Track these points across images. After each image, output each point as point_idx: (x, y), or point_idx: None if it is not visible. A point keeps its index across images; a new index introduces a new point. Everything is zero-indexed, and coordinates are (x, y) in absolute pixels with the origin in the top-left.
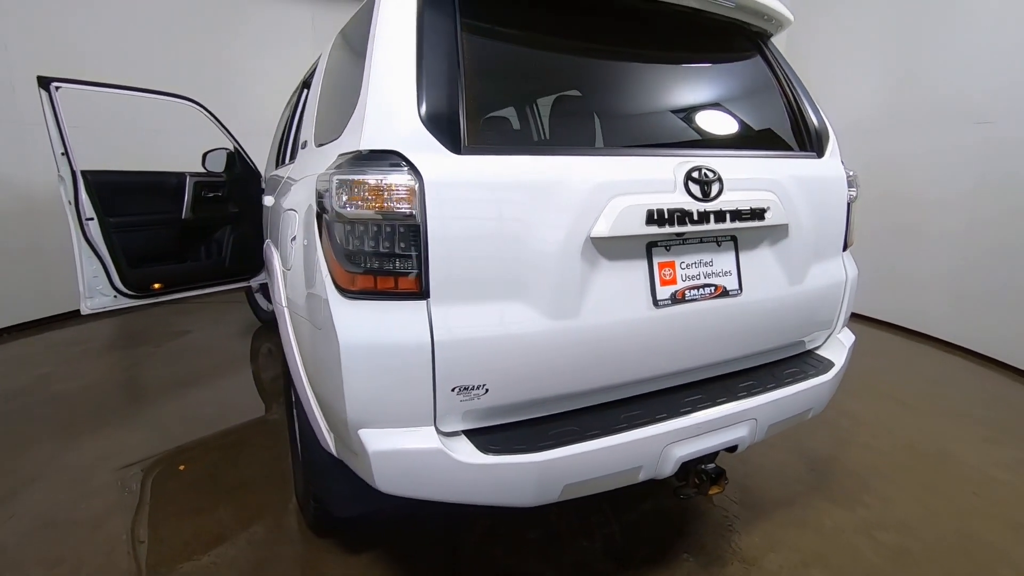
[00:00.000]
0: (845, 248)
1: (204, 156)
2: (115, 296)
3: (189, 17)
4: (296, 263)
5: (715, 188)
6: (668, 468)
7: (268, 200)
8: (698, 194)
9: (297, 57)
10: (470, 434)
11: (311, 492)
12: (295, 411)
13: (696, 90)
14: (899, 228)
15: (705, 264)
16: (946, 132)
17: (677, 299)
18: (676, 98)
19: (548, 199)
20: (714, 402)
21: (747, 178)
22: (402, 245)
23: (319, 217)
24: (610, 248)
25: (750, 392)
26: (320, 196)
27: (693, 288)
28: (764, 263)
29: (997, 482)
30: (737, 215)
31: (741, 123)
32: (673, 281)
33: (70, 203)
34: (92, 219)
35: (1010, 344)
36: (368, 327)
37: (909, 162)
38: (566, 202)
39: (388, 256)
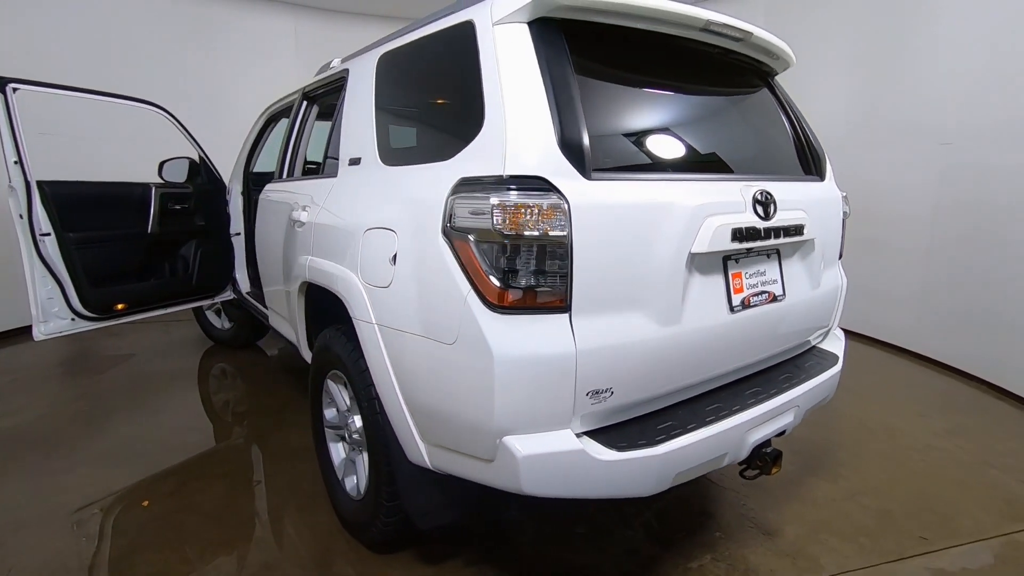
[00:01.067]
0: (840, 257)
1: (161, 165)
2: (72, 319)
3: (172, 27)
4: (401, 282)
5: (772, 208)
6: (744, 453)
7: (300, 215)
8: (761, 213)
9: (280, 67)
10: (591, 434)
11: (384, 509)
12: (370, 431)
13: (737, 120)
14: (867, 243)
15: (761, 274)
16: (911, 152)
17: (745, 305)
18: (725, 127)
19: (660, 219)
20: (770, 393)
21: (786, 199)
22: (552, 264)
23: (448, 235)
24: (701, 262)
25: (791, 383)
26: (460, 216)
27: (754, 295)
28: (796, 272)
29: (934, 448)
30: (785, 231)
31: (769, 150)
32: (741, 290)
33: (21, 217)
34: (48, 234)
35: (957, 348)
36: (520, 340)
37: (876, 180)
38: (674, 222)
39: (540, 274)
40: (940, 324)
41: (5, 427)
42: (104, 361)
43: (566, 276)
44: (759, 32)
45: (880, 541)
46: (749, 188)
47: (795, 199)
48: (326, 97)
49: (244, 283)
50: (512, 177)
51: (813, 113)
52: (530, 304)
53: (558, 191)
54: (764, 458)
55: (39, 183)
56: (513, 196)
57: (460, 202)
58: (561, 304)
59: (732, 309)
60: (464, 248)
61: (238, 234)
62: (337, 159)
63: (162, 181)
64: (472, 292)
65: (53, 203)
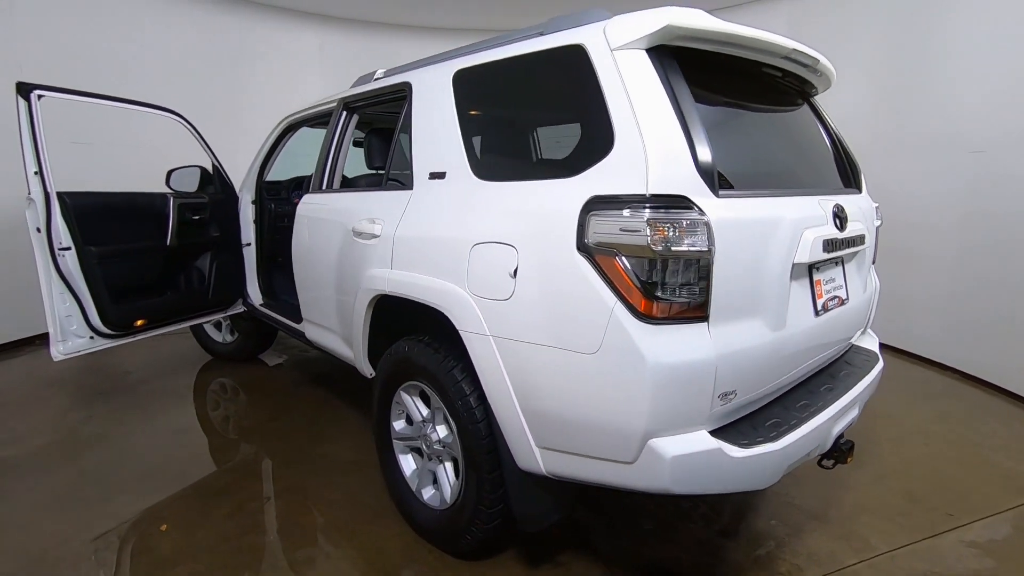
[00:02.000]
0: (873, 263)
1: (169, 174)
2: (91, 337)
3: (201, 41)
4: (524, 295)
5: (845, 220)
6: (828, 444)
7: (369, 227)
8: (838, 225)
9: (305, 81)
10: (713, 433)
11: (483, 515)
12: (468, 440)
13: (798, 138)
14: (893, 251)
15: (833, 280)
16: (940, 160)
17: (825, 309)
18: (792, 145)
19: (771, 233)
20: (842, 389)
21: (849, 211)
22: (697, 277)
23: (586, 250)
24: (798, 271)
25: (853, 379)
26: (601, 232)
27: (830, 300)
28: (853, 277)
29: (931, 433)
30: (852, 241)
31: (821, 165)
32: (821, 295)
33: (39, 231)
34: (68, 248)
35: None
36: (669, 348)
37: (904, 189)
38: (781, 235)
39: (686, 286)
40: (961, 330)
41: (14, 455)
42: (101, 380)
43: (706, 288)
44: (823, 59)
45: (913, 519)
46: (825, 202)
47: (852, 211)
48: (372, 108)
49: (256, 295)
50: (656, 196)
51: (838, 123)
52: (676, 315)
53: (699, 209)
54: (841, 448)
55: (59, 195)
56: (663, 214)
57: (600, 219)
58: (702, 314)
59: (817, 313)
60: (609, 263)
61: (248, 244)
62: (410, 172)
63: (170, 191)
64: (619, 304)
65: (73, 215)
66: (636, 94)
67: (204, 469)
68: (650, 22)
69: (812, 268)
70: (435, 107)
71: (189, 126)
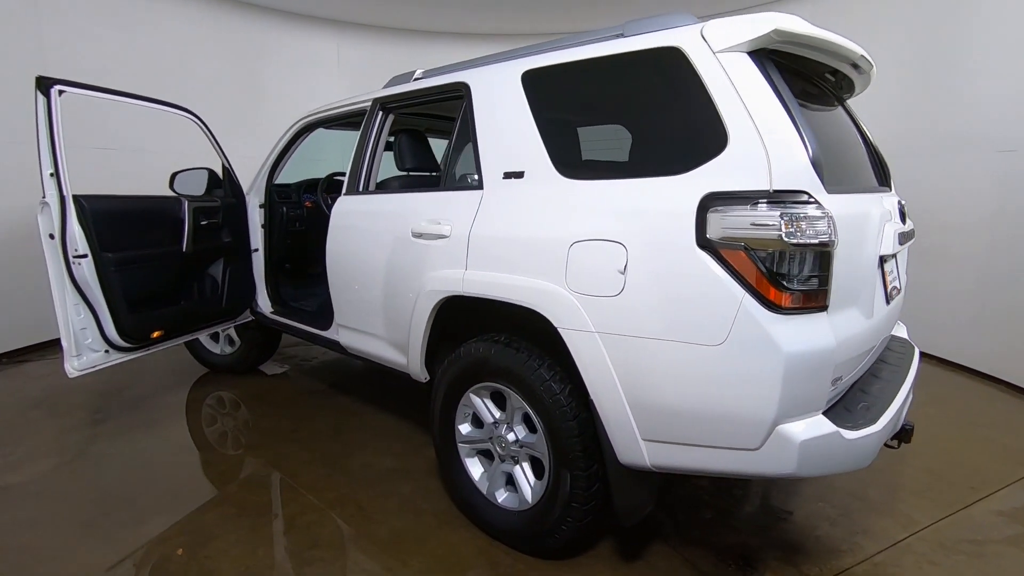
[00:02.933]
0: None
1: (173, 177)
2: (107, 351)
3: (220, 44)
4: (637, 290)
5: (905, 216)
6: (899, 425)
7: (436, 228)
8: (901, 221)
9: (323, 83)
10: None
11: (575, 513)
12: (560, 439)
13: (846, 138)
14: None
15: (893, 271)
16: (969, 160)
17: (891, 297)
18: (849, 144)
19: (866, 226)
20: (902, 373)
21: (901, 209)
22: (821, 268)
23: (709, 245)
24: (879, 263)
25: (904, 364)
26: (726, 227)
27: (893, 289)
28: (900, 269)
29: (929, 415)
30: (909, 235)
31: (864, 165)
32: (887, 285)
33: (52, 237)
34: (85, 256)
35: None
36: (799, 337)
37: (932, 188)
38: (872, 229)
39: (812, 278)
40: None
41: (22, 481)
42: (93, 398)
43: (827, 279)
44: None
45: (942, 494)
46: (889, 199)
47: (901, 208)
48: (414, 108)
49: (264, 302)
50: (779, 192)
51: (866, 122)
52: (803, 305)
53: (819, 203)
54: (905, 429)
55: (75, 198)
56: (792, 208)
57: (724, 215)
58: (823, 304)
59: (888, 301)
60: (737, 256)
61: (256, 250)
62: (479, 173)
63: (175, 194)
64: (748, 296)
65: (91, 220)
66: (747, 94)
67: (237, 485)
68: (756, 27)
69: (882, 260)
70: (503, 107)
71: (202, 125)
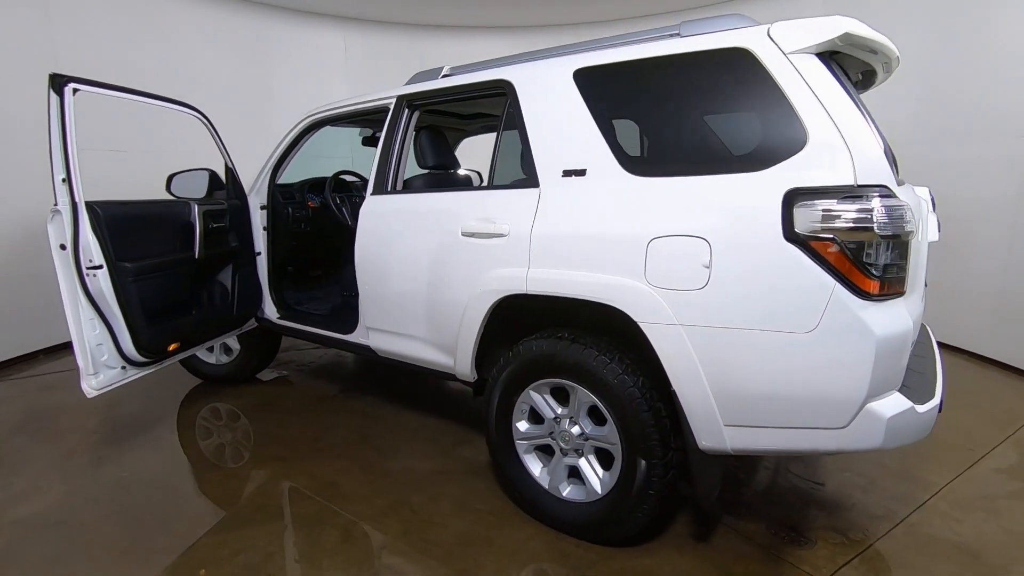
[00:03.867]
0: None
1: (170, 179)
2: (123, 367)
3: (227, 38)
4: (722, 283)
5: (935, 206)
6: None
7: (493, 227)
8: (933, 210)
9: (329, 79)
10: None
11: (650, 500)
12: (635, 428)
13: None
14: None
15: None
16: (989, 145)
17: (927, 284)
18: None
19: (922, 216)
20: (931, 351)
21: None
22: (900, 257)
23: (798, 238)
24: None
25: (928, 342)
26: (817, 220)
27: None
28: None
29: None
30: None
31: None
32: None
33: (63, 247)
34: (100, 267)
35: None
36: (886, 321)
37: (950, 173)
38: (923, 218)
39: (893, 265)
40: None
41: (35, 513)
42: (83, 418)
43: (905, 266)
44: None
45: (948, 457)
46: (923, 191)
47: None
48: (447, 105)
49: (271, 308)
50: (864, 186)
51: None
52: (888, 291)
53: (896, 195)
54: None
55: (88, 205)
56: (879, 201)
57: (812, 209)
58: (902, 290)
59: (926, 285)
60: (827, 248)
61: (259, 254)
62: (532, 170)
63: (173, 197)
64: (839, 285)
65: (106, 229)
66: (823, 94)
67: (277, 498)
68: (826, 30)
69: None
70: (556, 104)
71: (207, 123)
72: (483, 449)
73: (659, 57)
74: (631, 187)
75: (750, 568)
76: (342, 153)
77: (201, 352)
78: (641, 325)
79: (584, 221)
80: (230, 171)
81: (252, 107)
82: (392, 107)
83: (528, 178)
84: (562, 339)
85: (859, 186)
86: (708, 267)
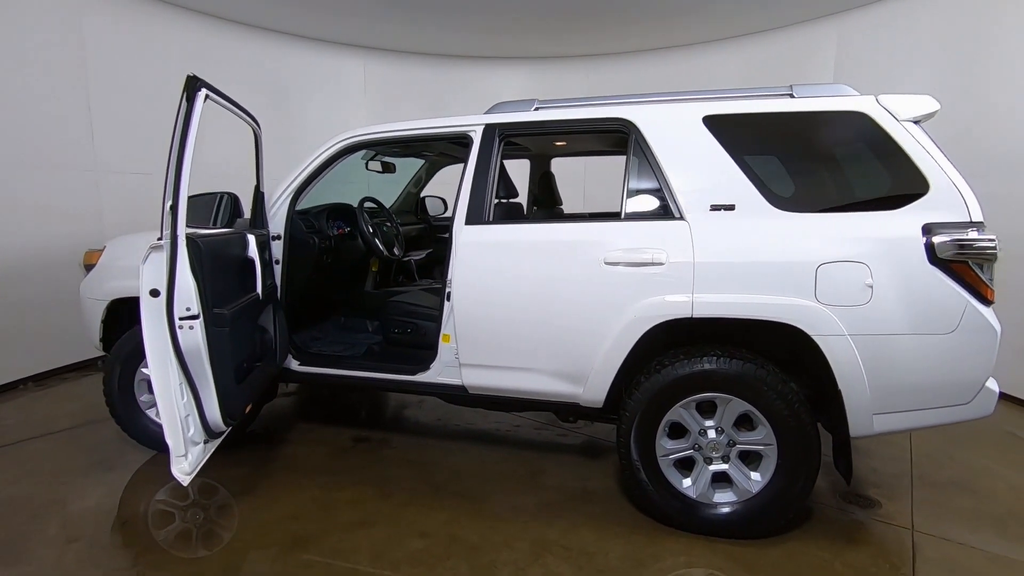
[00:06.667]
0: None
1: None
2: (205, 441)
3: (247, 64)
4: (882, 299)
5: None
6: None
7: (630, 255)
8: None
9: (349, 106)
10: None
11: (804, 491)
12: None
13: None
14: None
15: None
16: (1002, 176)
17: None
18: None
19: None
20: None
21: None
22: (994, 273)
23: (940, 261)
24: None
25: None
26: (955, 248)
27: None
28: None
29: None
30: None
31: None
32: None
33: (155, 294)
34: (196, 317)
35: None
36: (996, 320)
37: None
38: None
39: (992, 279)
40: None
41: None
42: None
43: (992, 279)
44: None
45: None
46: None
47: None
48: (539, 137)
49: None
50: (976, 222)
51: None
52: (992, 299)
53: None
54: None
55: (189, 239)
56: (989, 234)
57: (949, 239)
58: (994, 298)
59: None
60: (964, 268)
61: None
62: (674, 204)
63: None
64: (971, 296)
65: (206, 268)
66: (935, 153)
67: (419, 566)
68: (928, 106)
69: None
70: (689, 145)
71: (258, 142)
72: (565, 476)
73: (775, 113)
74: (785, 221)
75: (862, 533)
76: (358, 178)
77: None
78: (815, 338)
79: (748, 250)
80: (260, 196)
81: (271, 133)
82: (480, 136)
83: (665, 211)
84: (719, 357)
85: (974, 222)
86: (871, 286)
